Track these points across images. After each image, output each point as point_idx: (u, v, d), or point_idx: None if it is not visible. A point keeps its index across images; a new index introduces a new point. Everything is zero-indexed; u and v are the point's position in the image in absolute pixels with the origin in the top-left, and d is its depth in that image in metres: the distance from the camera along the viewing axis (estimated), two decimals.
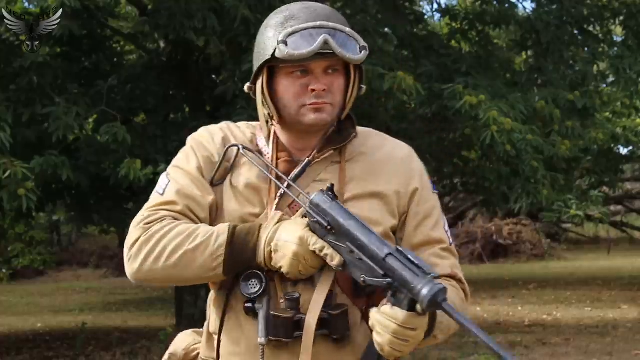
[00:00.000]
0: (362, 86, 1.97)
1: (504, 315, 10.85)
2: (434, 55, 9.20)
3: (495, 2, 9.77)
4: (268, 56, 1.88)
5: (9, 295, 15.41)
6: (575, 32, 9.85)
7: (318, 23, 1.86)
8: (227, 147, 1.95)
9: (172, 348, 2.06)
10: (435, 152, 9.59)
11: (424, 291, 1.65)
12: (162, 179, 1.96)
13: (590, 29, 10.04)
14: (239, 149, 1.93)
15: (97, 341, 9.62)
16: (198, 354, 2.01)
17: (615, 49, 9.87)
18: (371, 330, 1.78)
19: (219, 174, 1.94)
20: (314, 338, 1.82)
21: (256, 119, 2.04)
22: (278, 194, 1.90)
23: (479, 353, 7.85)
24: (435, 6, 11.84)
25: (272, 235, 1.81)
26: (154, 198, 1.93)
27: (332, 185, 1.83)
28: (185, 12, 7.48)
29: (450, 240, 2.01)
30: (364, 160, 1.96)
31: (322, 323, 1.83)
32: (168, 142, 8.55)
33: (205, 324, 2.00)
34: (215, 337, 1.93)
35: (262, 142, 1.98)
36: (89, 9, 8.36)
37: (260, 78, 1.92)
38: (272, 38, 1.89)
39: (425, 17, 10.96)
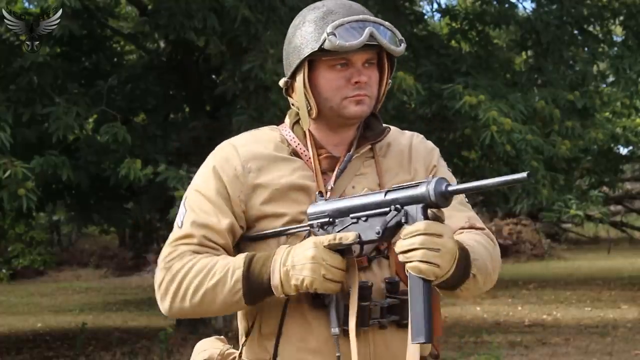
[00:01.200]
0: (390, 80, 2.02)
1: (504, 315, 10.85)
2: (434, 55, 9.21)
3: (495, 2, 9.78)
4: (314, 49, 1.90)
5: (9, 295, 15.40)
6: (575, 32, 9.85)
7: (361, 17, 1.91)
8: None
9: (205, 354, 2.02)
10: None
11: (426, 187, 1.71)
12: (182, 208, 1.98)
13: (590, 29, 10.05)
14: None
15: (97, 341, 9.62)
16: (234, 358, 1.99)
17: (615, 49, 9.88)
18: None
19: (247, 187, 1.94)
20: (386, 325, 1.87)
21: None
22: (328, 189, 1.93)
23: (479, 353, 7.84)
24: (435, 6, 11.85)
25: (285, 257, 1.83)
26: (174, 232, 1.95)
27: (320, 192, 1.89)
28: (185, 12, 7.48)
29: (466, 199, 2.04)
30: (392, 152, 2.03)
31: (392, 309, 1.87)
32: (168, 142, 8.55)
33: (244, 326, 1.97)
34: (271, 337, 1.91)
35: (294, 141, 2.00)
36: (89, 9, 8.36)
37: (301, 72, 1.94)
38: (313, 32, 1.91)
39: (425, 17, 10.96)
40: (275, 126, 2.07)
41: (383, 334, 1.88)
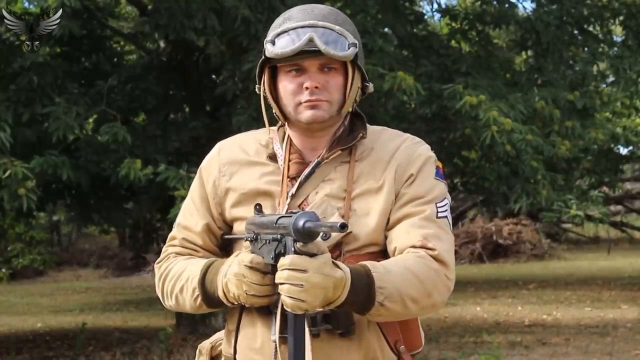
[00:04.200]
0: (368, 84, 2.03)
1: (504, 315, 10.84)
2: (434, 55, 9.20)
3: (495, 2, 9.77)
4: (263, 57, 1.97)
5: (9, 295, 15.39)
6: (575, 32, 9.85)
7: (307, 22, 1.93)
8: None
9: (204, 342, 2.16)
10: (435, 152, 9.49)
11: (290, 220, 1.70)
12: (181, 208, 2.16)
13: (590, 29, 10.04)
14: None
15: (97, 341, 9.61)
16: (220, 350, 2.10)
17: (615, 49, 9.88)
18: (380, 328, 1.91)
19: (221, 190, 2.04)
20: (320, 333, 1.88)
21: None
22: (289, 195, 1.96)
23: (478, 353, 7.84)
24: (435, 6, 11.85)
25: (227, 268, 1.90)
26: (171, 232, 2.12)
27: (259, 204, 1.92)
28: (185, 12, 7.47)
29: (440, 214, 1.97)
30: (372, 157, 2.00)
31: (326, 318, 1.89)
32: (168, 142, 8.55)
33: (226, 322, 2.08)
34: (233, 334, 2.01)
35: (277, 146, 2.04)
36: (89, 9, 8.36)
37: (263, 78, 2.01)
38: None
39: (425, 17, 10.95)
40: (274, 127, 2.11)
41: (318, 341, 1.89)
